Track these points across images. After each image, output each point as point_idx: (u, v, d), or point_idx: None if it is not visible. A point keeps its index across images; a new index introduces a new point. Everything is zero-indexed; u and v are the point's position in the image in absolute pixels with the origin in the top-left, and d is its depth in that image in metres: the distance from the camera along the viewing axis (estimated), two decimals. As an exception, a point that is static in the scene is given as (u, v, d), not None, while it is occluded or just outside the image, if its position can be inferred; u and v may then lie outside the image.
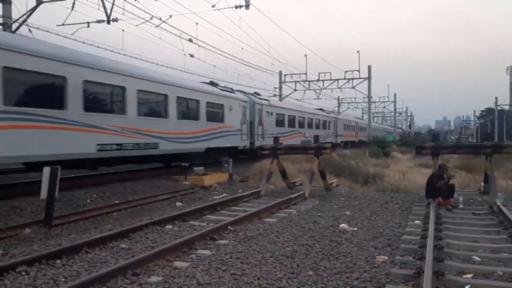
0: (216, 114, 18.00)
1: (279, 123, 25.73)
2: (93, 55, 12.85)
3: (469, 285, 4.91)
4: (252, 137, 21.61)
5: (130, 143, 12.92)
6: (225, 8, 18.47)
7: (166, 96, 14.61)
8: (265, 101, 24.45)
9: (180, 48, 20.84)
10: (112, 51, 17.79)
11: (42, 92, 10.51)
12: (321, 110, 38.82)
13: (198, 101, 16.57)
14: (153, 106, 14.69)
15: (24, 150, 9.73)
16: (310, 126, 31.65)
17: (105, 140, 11.96)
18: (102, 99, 12.63)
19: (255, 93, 25.18)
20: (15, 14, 15.17)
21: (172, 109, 14.94)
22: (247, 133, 20.94)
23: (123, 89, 12.72)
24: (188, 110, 16.28)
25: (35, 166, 10.21)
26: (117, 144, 12.43)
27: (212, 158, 18.29)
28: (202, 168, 15.88)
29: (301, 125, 29.80)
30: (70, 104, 10.84)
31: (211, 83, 19.68)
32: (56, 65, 10.50)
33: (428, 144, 13.72)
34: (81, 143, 11.11)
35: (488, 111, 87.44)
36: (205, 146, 17.04)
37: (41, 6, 15.07)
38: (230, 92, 20.23)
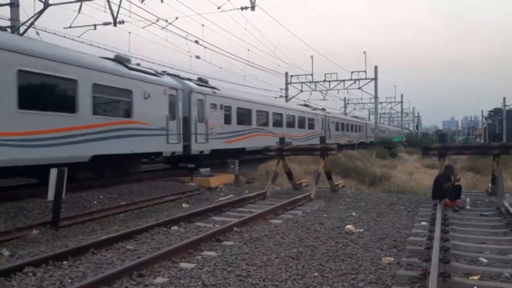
0: (311, 123, 30.68)
1: (337, 128, 37.85)
2: (270, 99, 27.70)
3: (476, 287, 4.88)
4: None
5: None
6: (230, 10, 18.57)
7: (294, 116, 27.44)
8: (330, 114, 36.41)
9: (186, 50, 21.04)
10: (119, 53, 17.89)
11: (262, 118, 22.69)
12: (356, 117, 51.30)
13: (304, 117, 29.48)
14: (290, 121, 26.82)
15: (256, 144, 20.66)
16: (352, 130, 44.03)
17: (277, 140, 21.79)
18: (277, 120, 24.65)
19: (322, 108, 36.67)
20: (23, 16, 15.33)
21: (296, 122, 27.67)
22: (324, 135, 31.66)
23: (281, 115, 25.31)
24: (301, 122, 28.66)
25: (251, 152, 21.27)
26: None
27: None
28: (209, 169, 16.00)
29: (347, 129, 41.80)
30: (269, 123, 23.30)
31: (305, 105, 34.57)
32: (264, 107, 23.08)
33: (435, 145, 13.61)
34: (271, 141, 20.56)
35: (496, 112, 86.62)
36: (307, 143, 27.91)
37: (48, 9, 15.19)
38: (315, 109, 33.57)
